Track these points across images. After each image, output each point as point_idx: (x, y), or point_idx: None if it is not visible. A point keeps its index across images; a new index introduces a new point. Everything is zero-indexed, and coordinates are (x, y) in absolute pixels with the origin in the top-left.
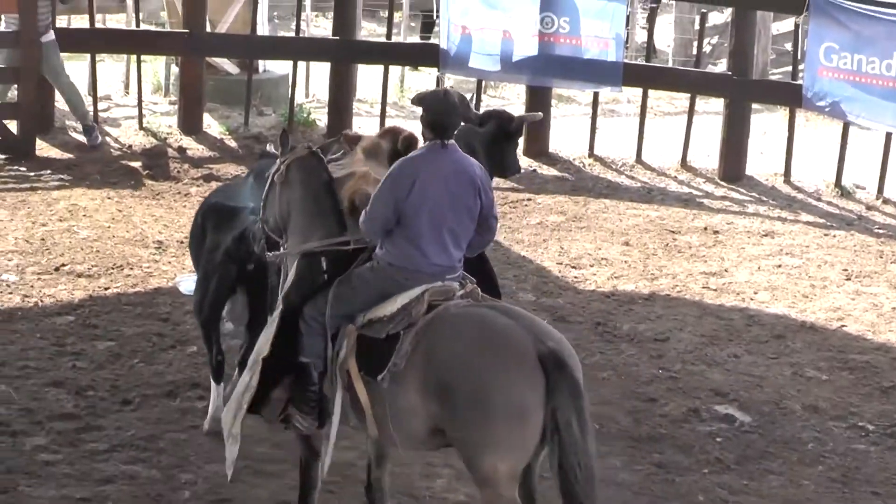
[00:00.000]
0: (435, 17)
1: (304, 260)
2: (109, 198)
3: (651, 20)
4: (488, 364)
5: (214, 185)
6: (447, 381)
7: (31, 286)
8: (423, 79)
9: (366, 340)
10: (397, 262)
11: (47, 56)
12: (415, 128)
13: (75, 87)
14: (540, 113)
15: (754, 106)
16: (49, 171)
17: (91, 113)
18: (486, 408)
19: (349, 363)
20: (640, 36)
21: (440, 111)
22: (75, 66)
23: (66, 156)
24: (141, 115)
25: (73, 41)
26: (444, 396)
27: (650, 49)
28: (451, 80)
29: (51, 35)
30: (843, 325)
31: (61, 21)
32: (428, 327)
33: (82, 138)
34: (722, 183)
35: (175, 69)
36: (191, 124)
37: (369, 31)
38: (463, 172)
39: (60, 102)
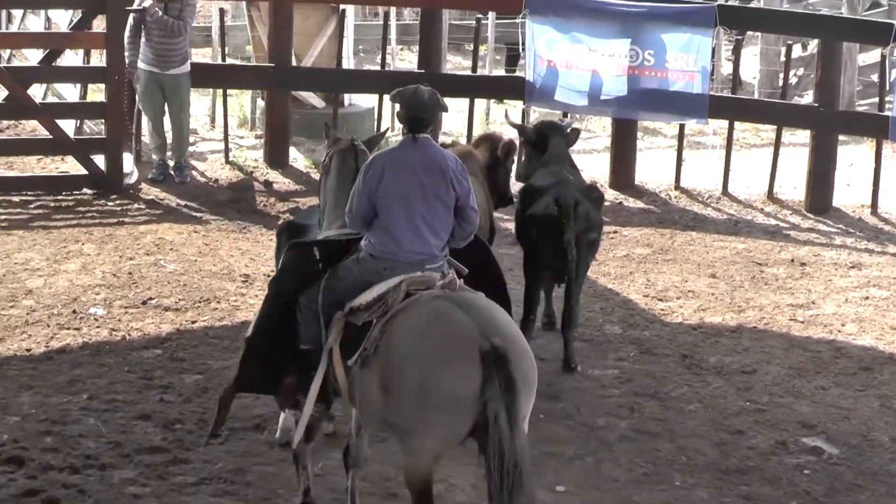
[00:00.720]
0: (520, 51)
1: (296, 250)
2: (196, 231)
3: (736, 52)
4: (428, 356)
5: None
6: (391, 370)
7: (119, 320)
8: (509, 112)
9: (350, 327)
10: (377, 252)
11: (179, 88)
12: None
13: (189, 127)
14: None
15: (841, 137)
16: (136, 206)
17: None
18: (421, 398)
19: (334, 348)
20: (726, 68)
21: (412, 107)
22: None
23: (153, 190)
24: (227, 149)
25: None
26: (388, 383)
27: (736, 81)
28: (536, 112)
29: (187, 67)
30: None
31: None
32: (395, 316)
33: (171, 174)
34: (808, 215)
35: (261, 103)
36: (277, 158)
37: (454, 64)
38: (434, 164)
39: (147, 137)
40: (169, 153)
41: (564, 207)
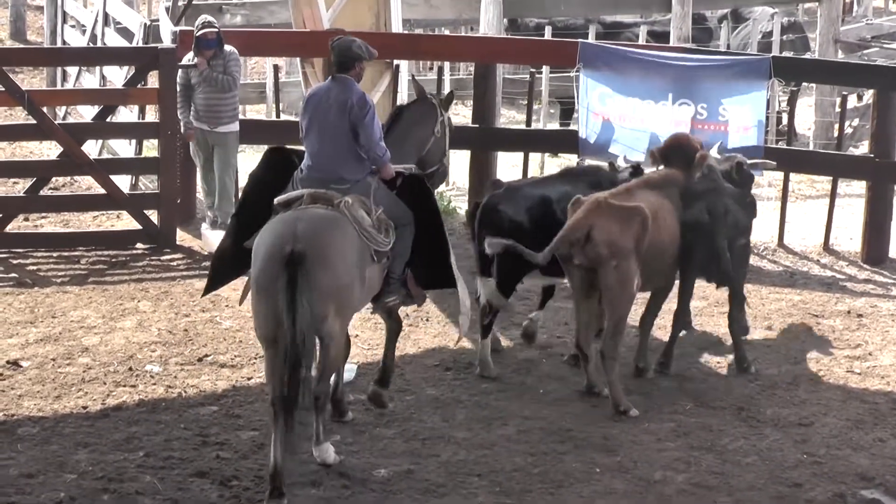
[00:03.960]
0: (575, 104)
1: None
2: None
3: (791, 103)
4: (256, 254)
5: None
6: None
7: (175, 377)
8: (564, 165)
9: None
10: (303, 167)
11: (226, 145)
12: None
13: (234, 186)
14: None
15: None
16: (191, 261)
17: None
18: (251, 284)
19: None
20: (781, 119)
21: (337, 52)
22: None
23: (208, 246)
24: None
25: None
26: None
27: (791, 132)
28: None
29: (235, 126)
30: None
31: None
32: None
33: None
34: (865, 266)
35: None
36: None
37: (508, 118)
38: (343, 99)
39: (202, 193)
40: (216, 211)
41: (715, 215)
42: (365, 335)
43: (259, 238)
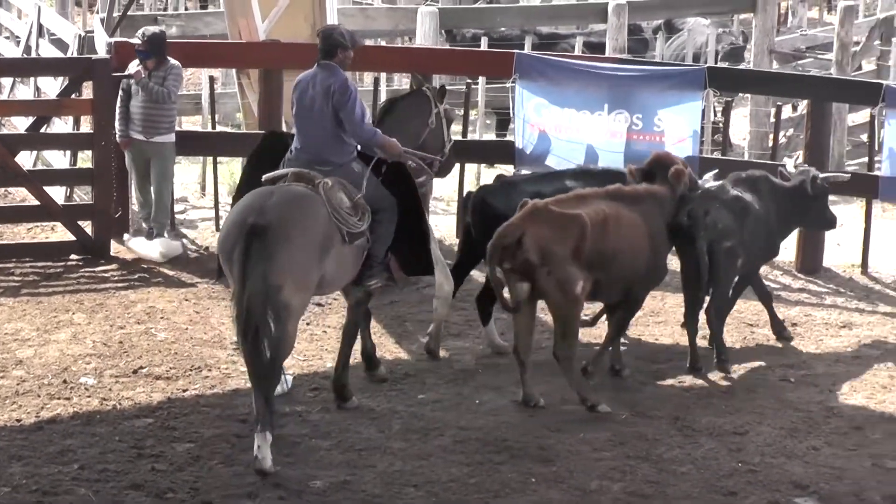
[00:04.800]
0: (511, 115)
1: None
2: (187, 299)
3: (726, 114)
4: (225, 224)
5: None
6: None
7: (110, 389)
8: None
9: None
10: (293, 148)
11: (162, 156)
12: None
13: (171, 198)
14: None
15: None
16: (126, 273)
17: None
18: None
19: None
20: (715, 130)
21: (321, 39)
22: None
23: (146, 258)
24: (217, 217)
25: None
26: None
27: (726, 142)
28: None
29: (171, 136)
30: None
31: None
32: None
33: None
34: (799, 275)
35: None
36: None
37: None
38: (326, 85)
39: (136, 205)
40: (151, 223)
41: (694, 216)
42: (300, 346)
43: (231, 210)
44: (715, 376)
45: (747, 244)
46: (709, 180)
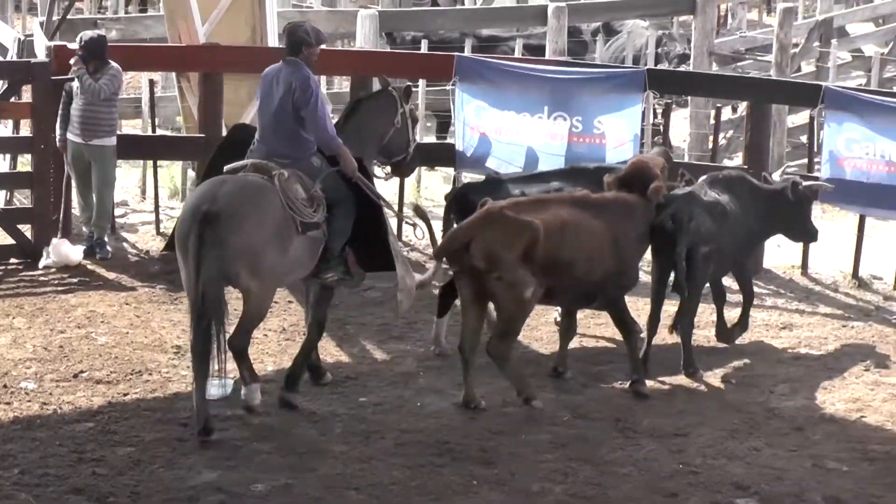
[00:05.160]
0: (452, 118)
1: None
2: (127, 304)
3: (666, 116)
4: (182, 210)
5: (232, 288)
6: None
7: (50, 394)
8: (441, 178)
9: None
10: (255, 141)
11: (103, 160)
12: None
13: (112, 201)
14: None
15: None
16: (66, 277)
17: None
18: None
19: None
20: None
21: (286, 35)
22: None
23: (84, 262)
24: (158, 221)
25: None
26: None
27: (666, 144)
28: (467, 178)
29: (112, 140)
30: (862, 416)
31: None
32: None
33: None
34: None
35: (192, 174)
36: None
37: None
38: (288, 81)
39: (78, 208)
40: (92, 227)
41: (678, 221)
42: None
43: (187, 197)
44: (655, 379)
45: (725, 248)
46: (704, 186)
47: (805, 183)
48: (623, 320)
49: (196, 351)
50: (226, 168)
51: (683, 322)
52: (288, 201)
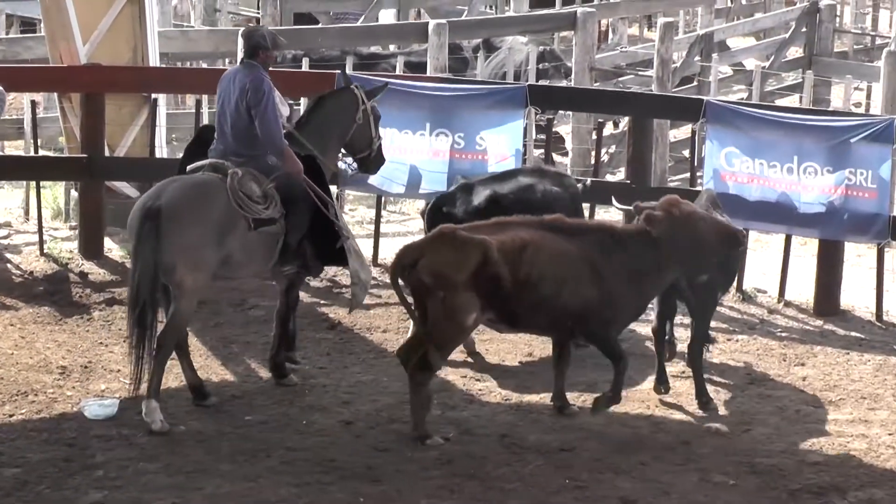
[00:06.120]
0: None
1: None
2: (12, 325)
3: (548, 131)
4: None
5: (117, 308)
6: None
7: None
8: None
9: None
10: (214, 141)
11: None
12: None
13: None
14: None
15: None
16: None
17: None
18: None
19: None
20: (538, 148)
21: (244, 39)
22: None
23: None
24: (42, 241)
25: None
26: None
27: (548, 160)
28: (351, 196)
29: None
30: (748, 429)
31: None
32: None
33: None
34: None
35: (75, 194)
36: (92, 249)
37: None
38: (241, 81)
39: None
40: None
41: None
42: (127, 370)
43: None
44: (540, 395)
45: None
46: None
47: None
48: (609, 353)
49: (133, 342)
50: (189, 168)
51: (693, 351)
52: (238, 199)
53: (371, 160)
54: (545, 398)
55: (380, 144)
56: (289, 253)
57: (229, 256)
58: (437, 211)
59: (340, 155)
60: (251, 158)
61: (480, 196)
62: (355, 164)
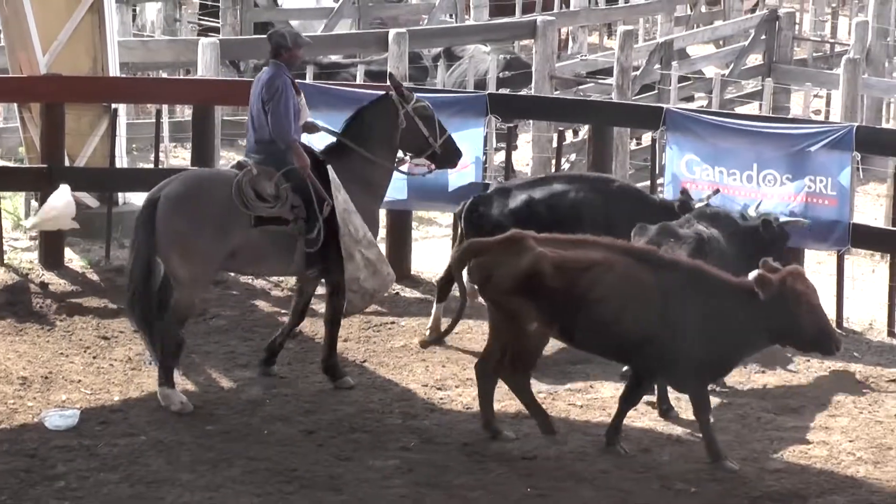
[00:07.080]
0: None
1: None
2: None
3: (508, 140)
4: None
5: (78, 318)
6: None
7: None
8: None
9: None
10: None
11: None
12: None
13: None
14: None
15: None
16: None
17: None
18: None
19: None
20: (499, 156)
21: (269, 40)
22: None
23: None
24: (1, 252)
25: None
26: None
27: (509, 168)
28: None
29: None
30: None
31: None
32: None
33: None
34: None
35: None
36: (52, 259)
37: (228, 159)
38: (262, 79)
39: None
40: None
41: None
42: (87, 380)
43: None
44: (500, 404)
45: None
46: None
47: (781, 219)
48: (692, 401)
49: (133, 327)
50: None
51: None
52: (243, 196)
53: (440, 156)
54: (507, 406)
55: (447, 138)
56: (311, 256)
57: (235, 252)
58: (474, 211)
59: (408, 157)
60: (270, 156)
61: (517, 200)
62: (431, 164)
